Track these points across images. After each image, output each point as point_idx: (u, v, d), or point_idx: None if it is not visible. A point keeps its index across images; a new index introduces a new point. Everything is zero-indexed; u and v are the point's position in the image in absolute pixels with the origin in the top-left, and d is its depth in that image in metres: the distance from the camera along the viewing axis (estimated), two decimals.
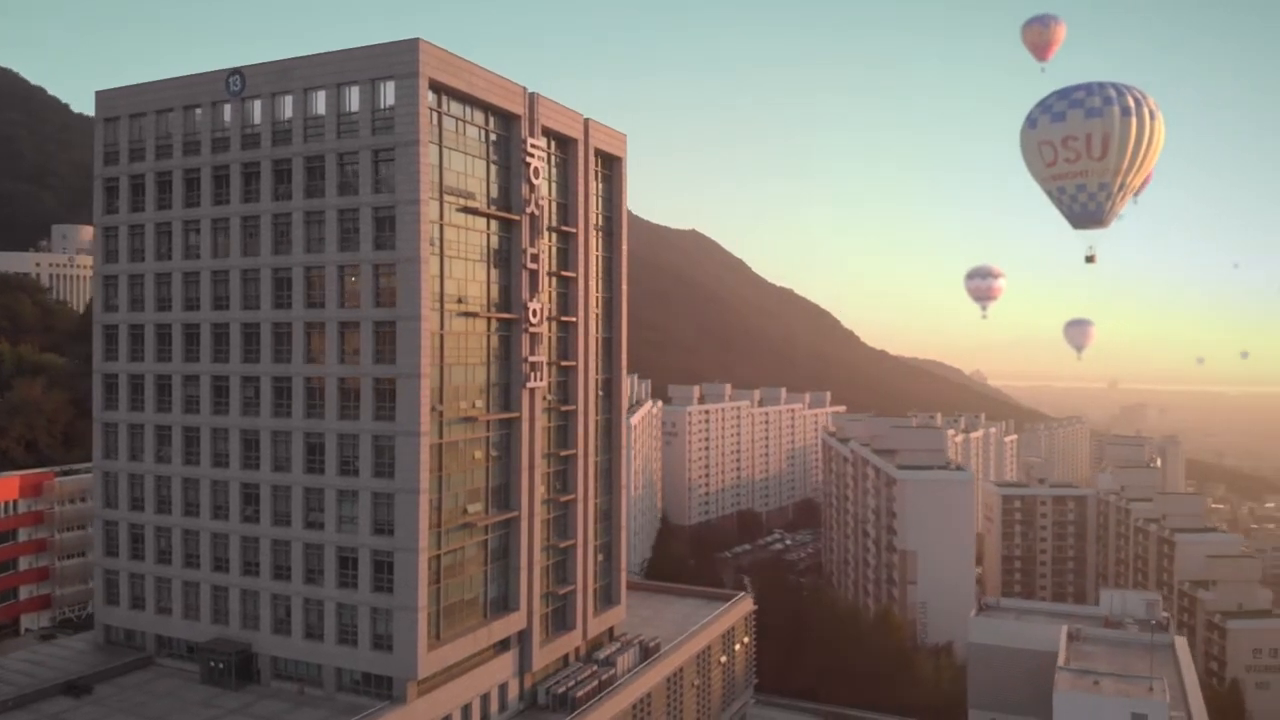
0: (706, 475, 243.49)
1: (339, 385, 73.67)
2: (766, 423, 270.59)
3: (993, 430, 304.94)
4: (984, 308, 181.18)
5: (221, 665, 75.98)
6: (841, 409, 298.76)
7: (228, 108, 77.81)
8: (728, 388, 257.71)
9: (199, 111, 79.07)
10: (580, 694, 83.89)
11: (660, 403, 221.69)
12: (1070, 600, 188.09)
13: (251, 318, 76.93)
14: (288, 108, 75.33)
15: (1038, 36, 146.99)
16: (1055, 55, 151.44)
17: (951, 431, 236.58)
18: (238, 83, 76.61)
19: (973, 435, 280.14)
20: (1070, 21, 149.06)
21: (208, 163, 78.34)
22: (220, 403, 78.66)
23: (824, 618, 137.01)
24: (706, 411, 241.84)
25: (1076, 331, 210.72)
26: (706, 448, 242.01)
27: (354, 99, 72.93)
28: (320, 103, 74.09)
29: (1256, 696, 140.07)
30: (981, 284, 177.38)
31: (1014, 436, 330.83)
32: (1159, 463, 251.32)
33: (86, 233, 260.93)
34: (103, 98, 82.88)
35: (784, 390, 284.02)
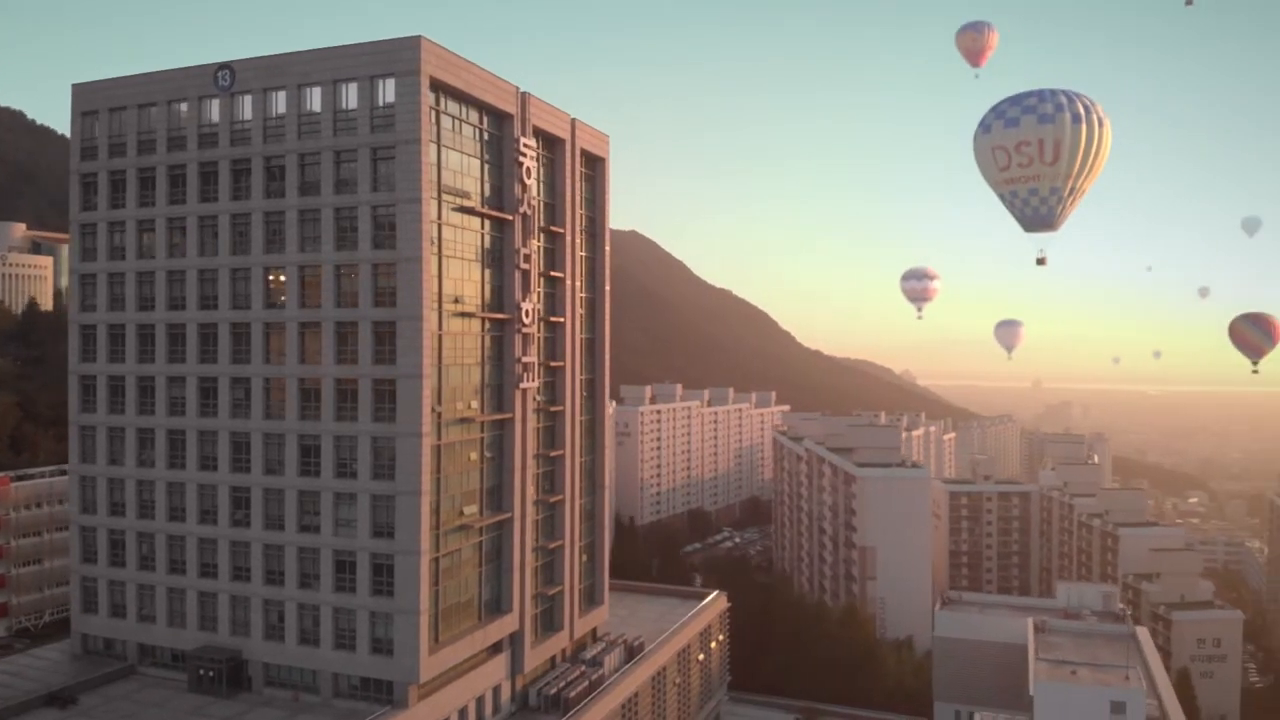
0: (658, 475, 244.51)
1: (335, 386, 72.57)
2: (716, 422, 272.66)
3: (932, 429, 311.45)
4: (919, 308, 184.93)
5: (212, 673, 74.26)
6: (786, 408, 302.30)
7: (215, 103, 76.03)
8: (679, 388, 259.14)
9: (184, 106, 77.18)
10: (572, 695, 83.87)
11: (614, 403, 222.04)
12: (1015, 593, 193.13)
13: (242, 317, 75.34)
14: (281, 104, 73.91)
15: (971, 43, 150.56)
16: (988, 61, 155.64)
17: None
18: (227, 78, 74.94)
19: (914, 434, 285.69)
20: (1002, 29, 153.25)
21: (194, 158, 76.48)
22: (208, 405, 76.86)
23: (790, 614, 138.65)
24: (658, 411, 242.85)
25: (1007, 332, 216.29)
26: (658, 448, 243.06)
27: (351, 96, 71.88)
28: (315, 99, 72.89)
29: (1201, 685, 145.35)
30: (917, 285, 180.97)
31: (952, 435, 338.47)
32: (1096, 459, 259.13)
33: (18, 229, 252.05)
34: (80, 91, 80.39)
35: (732, 390, 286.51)
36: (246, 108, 75.09)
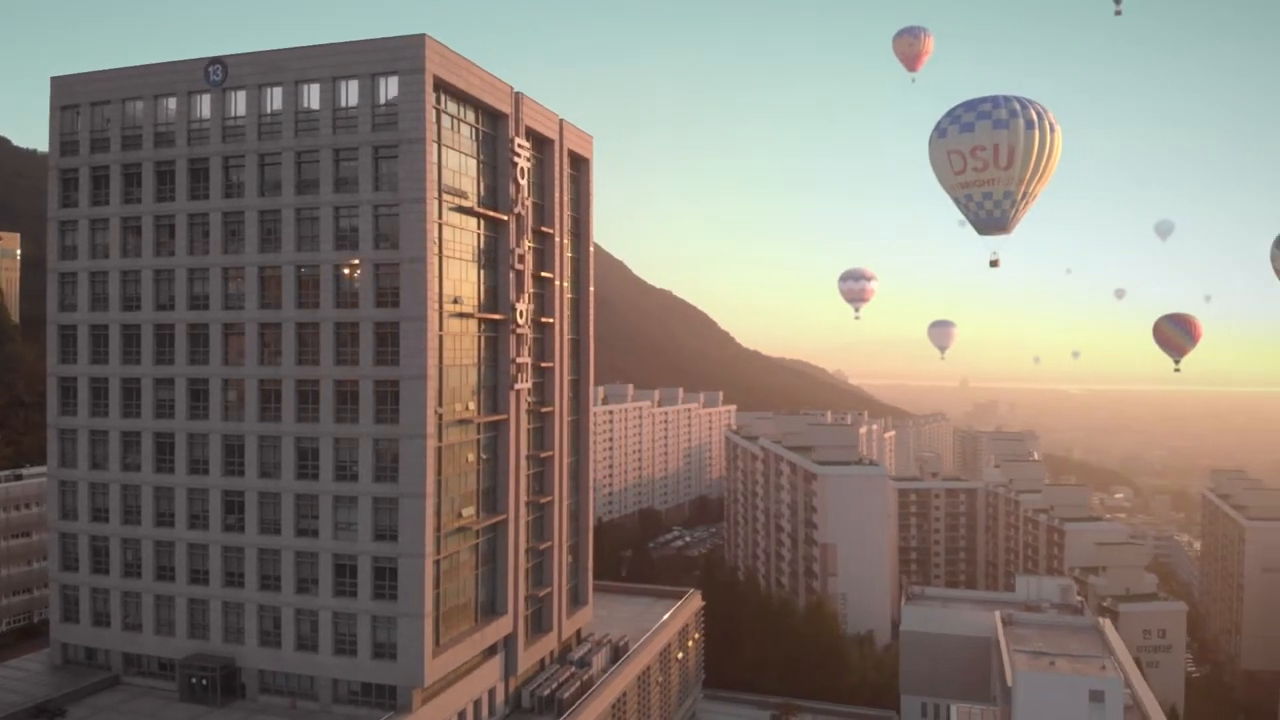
0: (610, 474, 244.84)
1: (335, 388, 71.55)
2: (666, 422, 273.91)
3: (874, 426, 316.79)
4: (857, 309, 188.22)
5: (205, 681, 72.67)
6: (733, 408, 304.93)
7: (206, 99, 74.37)
8: (630, 388, 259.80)
9: (172, 101, 75.35)
10: (566, 695, 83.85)
11: None
12: (962, 588, 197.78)
13: (235, 318, 73.85)
14: (276, 100, 72.61)
15: (908, 47, 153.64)
16: (924, 66, 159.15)
17: None
18: (219, 73, 73.38)
19: (859, 432, 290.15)
20: (938, 34, 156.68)
21: (183, 155, 74.71)
22: (198, 407, 75.17)
23: (757, 611, 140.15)
24: (610, 412, 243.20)
25: (940, 333, 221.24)
26: (610, 448, 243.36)
27: (351, 93, 70.98)
28: (314, 96, 71.77)
29: (1148, 675, 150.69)
30: (855, 286, 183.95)
31: (892, 433, 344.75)
32: (1036, 456, 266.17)
33: None
34: (59, 84, 77.91)
35: (681, 390, 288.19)
36: (240, 104, 73.59)
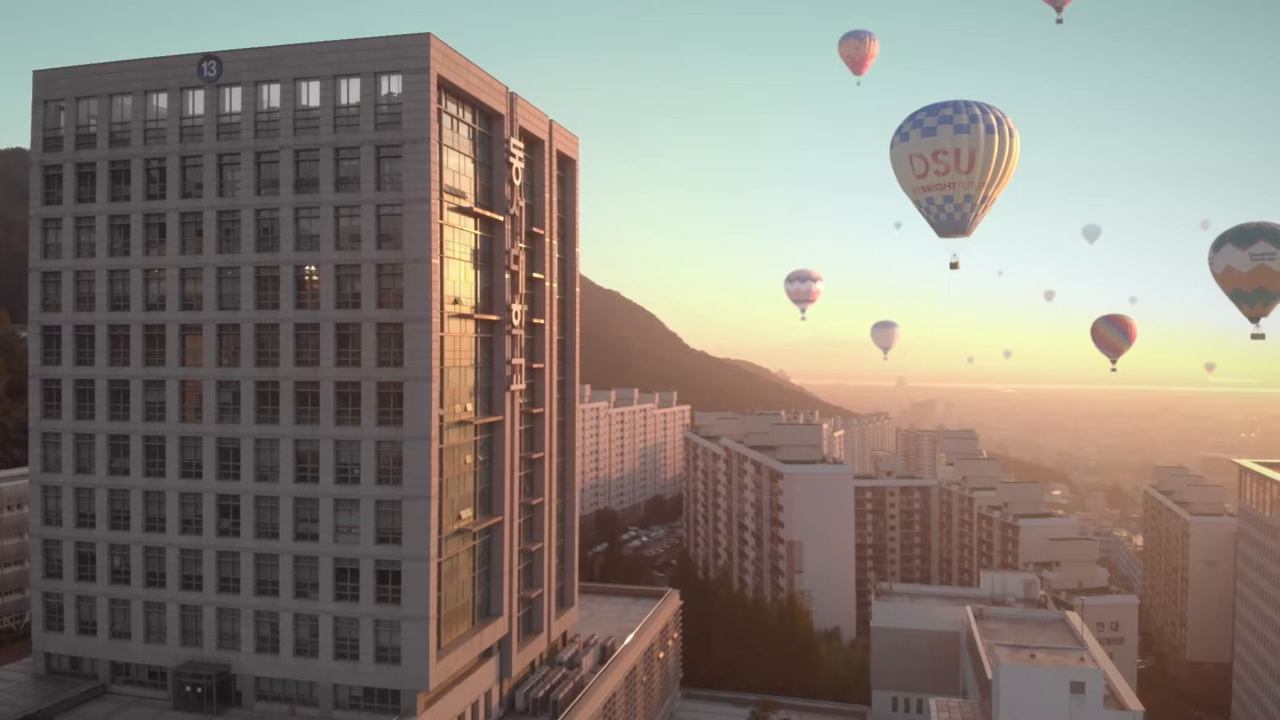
0: None
1: (335, 390, 70.64)
2: (623, 423, 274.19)
3: (825, 425, 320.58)
4: (803, 310, 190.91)
5: (199, 689, 71.21)
6: (687, 408, 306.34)
7: (198, 95, 72.91)
8: (587, 389, 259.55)
9: (163, 97, 73.67)
10: (560, 697, 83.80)
11: None
12: (918, 584, 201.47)
13: (230, 318, 72.48)
14: (274, 97, 71.45)
15: (854, 51, 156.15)
16: (870, 69, 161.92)
17: None
18: (213, 69, 71.96)
19: None
20: (883, 39, 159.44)
21: (175, 152, 73.14)
22: (190, 409, 73.62)
23: (730, 610, 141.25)
24: None
25: (883, 333, 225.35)
26: None
27: (352, 91, 70.17)
28: (314, 94, 70.76)
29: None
30: (801, 287, 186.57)
31: (842, 432, 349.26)
32: (984, 454, 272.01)
33: None
34: (42, 78, 75.69)
35: (636, 391, 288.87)
36: (235, 101, 72.27)
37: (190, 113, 73.22)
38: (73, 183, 75.23)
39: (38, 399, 76.69)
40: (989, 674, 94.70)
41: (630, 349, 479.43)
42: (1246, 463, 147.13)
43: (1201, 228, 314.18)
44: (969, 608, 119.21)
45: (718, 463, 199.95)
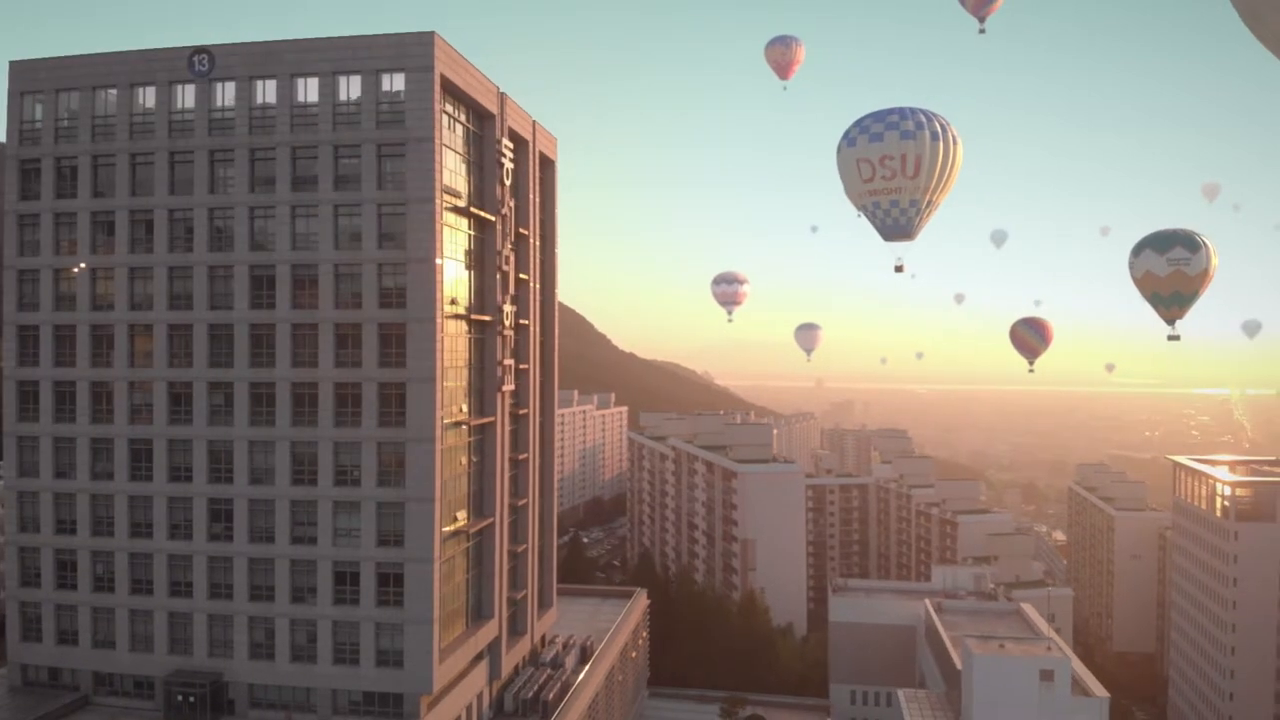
0: None
1: (335, 391, 69.66)
2: (562, 424, 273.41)
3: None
4: (730, 312, 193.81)
5: (192, 698, 69.50)
6: (624, 409, 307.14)
7: (189, 89, 71.18)
8: None
9: (150, 91, 71.72)
10: (550, 697, 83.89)
11: None
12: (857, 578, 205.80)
13: (222, 319, 70.86)
14: (269, 93, 70.16)
15: (780, 56, 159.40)
16: (796, 74, 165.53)
17: None
18: (205, 63, 70.31)
19: None
20: (809, 44, 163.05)
21: (164, 147, 71.26)
22: (180, 411, 71.76)
23: (691, 608, 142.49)
24: None
25: (806, 335, 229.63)
26: None
27: (353, 89, 69.35)
28: (312, 90, 69.69)
29: None
30: (728, 289, 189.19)
31: (776, 431, 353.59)
32: (917, 452, 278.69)
33: None
34: (19, 69, 72.93)
35: (576, 393, 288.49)
36: (228, 96, 70.73)
37: (179, 107, 71.40)
38: (52, 178, 72.69)
39: (13, 402, 73.82)
40: (958, 665, 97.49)
41: (562, 351, 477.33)
42: (1181, 459, 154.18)
43: (1102, 234, 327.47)
44: (927, 601, 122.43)
45: (666, 463, 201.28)
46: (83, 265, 72.19)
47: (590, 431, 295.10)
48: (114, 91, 71.96)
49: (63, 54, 73.40)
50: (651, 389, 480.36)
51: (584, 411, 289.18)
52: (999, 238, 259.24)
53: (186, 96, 71.19)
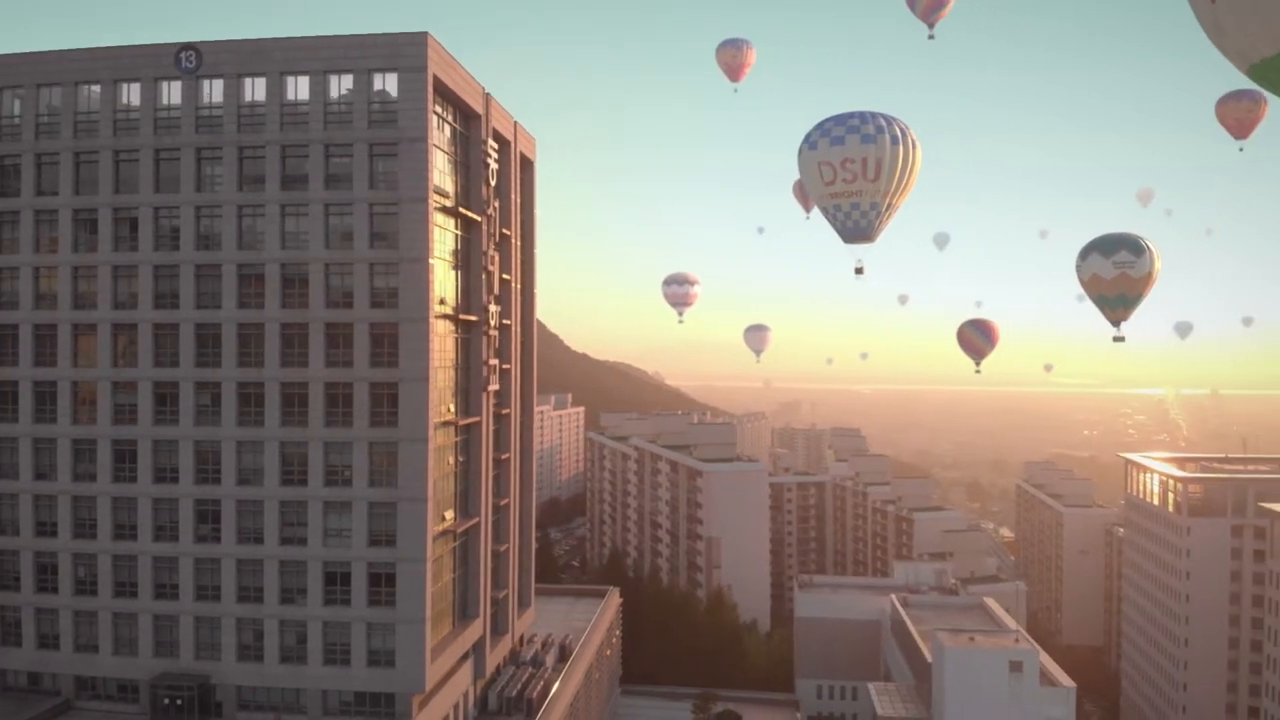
0: None
1: (325, 391, 69.46)
2: None
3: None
4: (680, 313, 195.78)
5: (180, 701, 68.80)
6: (581, 409, 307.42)
7: (175, 86, 70.43)
8: None
9: (134, 87, 70.83)
10: (534, 695, 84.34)
11: None
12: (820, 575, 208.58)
13: (209, 318, 70.24)
14: (258, 91, 69.72)
15: (731, 59, 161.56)
16: (747, 76, 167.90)
17: None
18: (192, 59, 69.62)
19: None
20: (760, 46, 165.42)
21: (149, 144, 70.42)
22: (165, 412, 70.95)
23: (660, 606, 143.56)
24: None
25: (755, 336, 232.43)
26: None
27: (344, 88, 69.23)
28: (302, 89, 69.43)
29: None
30: (678, 290, 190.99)
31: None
32: (871, 451, 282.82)
33: None
34: None
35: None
36: (215, 93, 70.16)
37: (164, 104, 70.64)
38: (32, 174, 71.41)
39: None
40: (927, 658, 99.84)
41: None
42: (1134, 456, 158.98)
43: (1041, 236, 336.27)
44: (893, 596, 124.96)
45: (628, 463, 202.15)
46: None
47: (548, 432, 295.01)
48: (97, 88, 70.92)
49: (46, 50, 72.10)
50: (604, 389, 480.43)
51: (541, 412, 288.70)
52: (941, 240, 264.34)
53: (173, 93, 70.46)
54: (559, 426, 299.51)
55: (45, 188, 71.57)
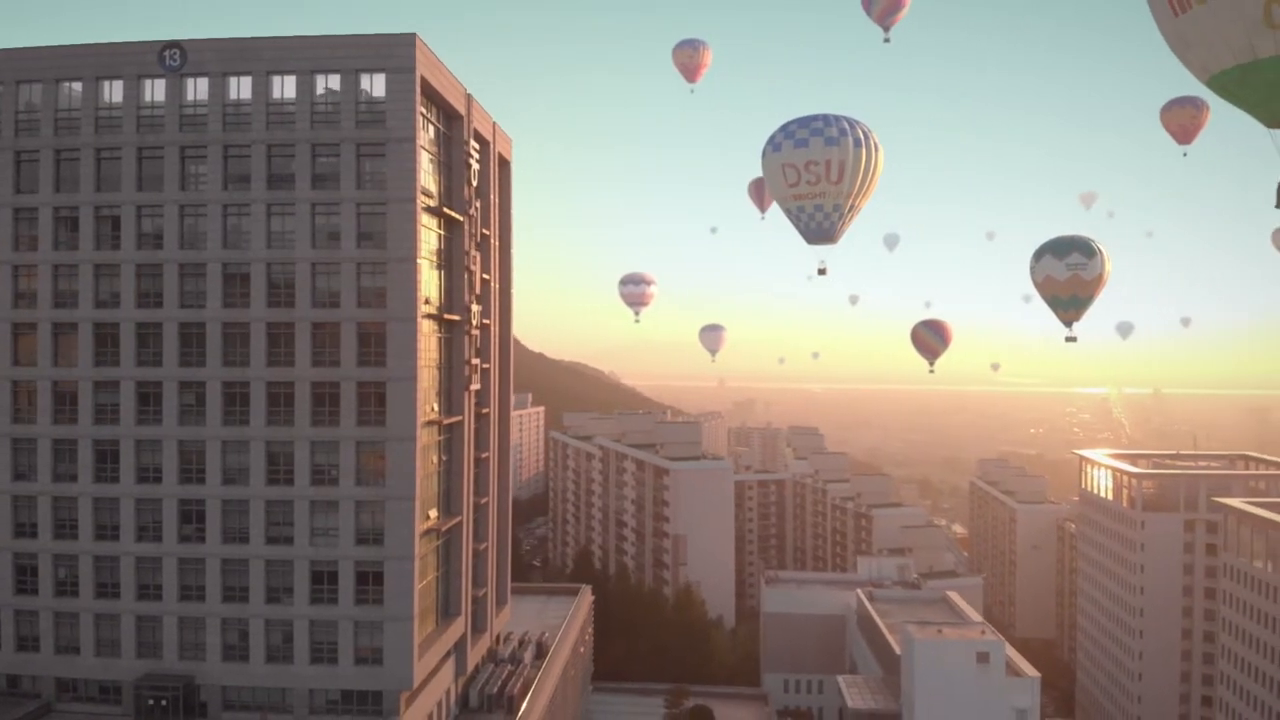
0: None
1: (311, 390, 69.60)
2: None
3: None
4: (637, 313, 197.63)
5: (164, 701, 68.54)
6: (541, 409, 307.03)
7: (158, 84, 70.08)
8: None
9: (117, 85, 70.34)
10: (515, 692, 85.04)
11: None
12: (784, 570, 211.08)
13: (193, 317, 70.01)
14: (244, 90, 69.63)
15: (688, 59, 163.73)
16: (703, 77, 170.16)
17: None
18: (176, 58, 69.35)
19: None
20: (716, 47, 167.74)
21: (132, 142, 70.00)
22: (148, 411, 70.56)
23: (629, 603, 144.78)
24: None
25: (710, 336, 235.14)
26: None
27: (332, 88, 69.42)
28: (289, 88, 69.48)
29: None
30: (635, 290, 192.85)
31: None
32: (829, 449, 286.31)
33: None
34: None
35: None
36: (199, 91, 69.94)
37: (148, 101, 70.28)
38: (11, 172, 70.61)
39: None
40: (897, 650, 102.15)
41: None
42: (1089, 453, 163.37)
43: (988, 238, 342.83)
44: (859, 591, 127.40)
45: (592, 462, 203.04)
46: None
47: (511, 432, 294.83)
48: (78, 85, 70.34)
49: (25, 46, 71.32)
50: (561, 389, 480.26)
51: None
52: (891, 241, 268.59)
53: (156, 91, 70.12)
54: (519, 426, 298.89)
55: (25, 186, 70.79)
